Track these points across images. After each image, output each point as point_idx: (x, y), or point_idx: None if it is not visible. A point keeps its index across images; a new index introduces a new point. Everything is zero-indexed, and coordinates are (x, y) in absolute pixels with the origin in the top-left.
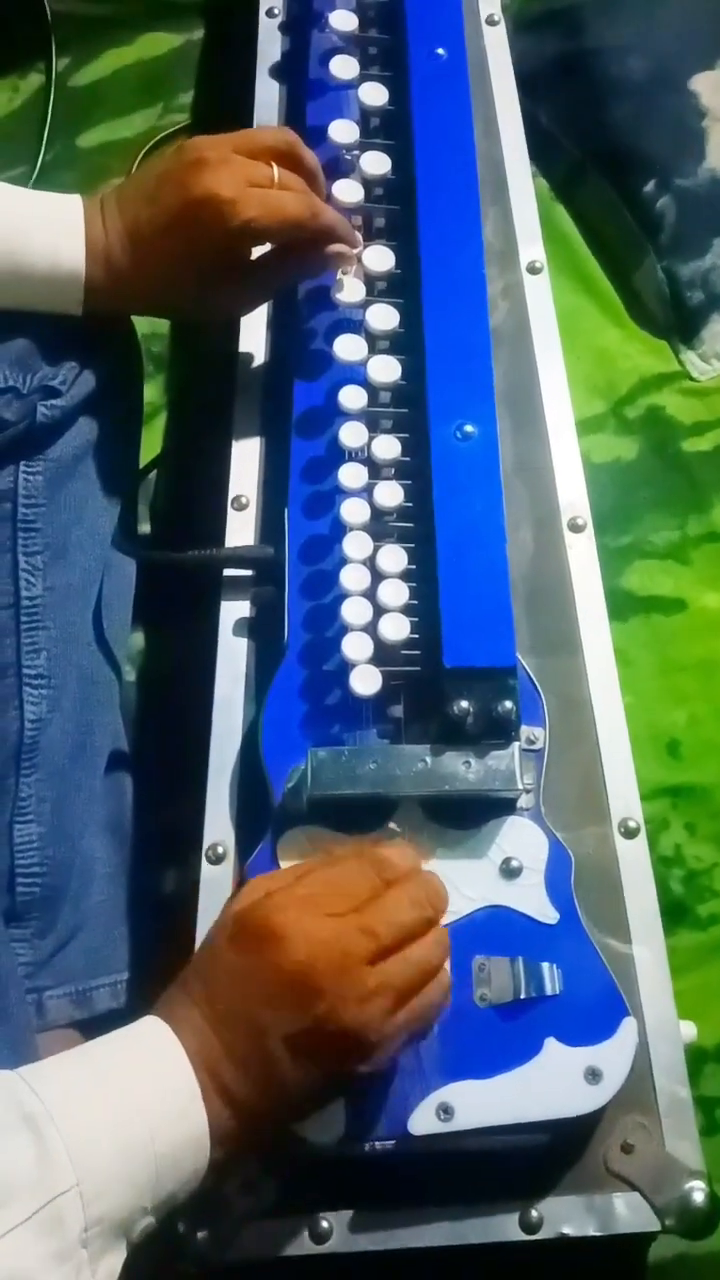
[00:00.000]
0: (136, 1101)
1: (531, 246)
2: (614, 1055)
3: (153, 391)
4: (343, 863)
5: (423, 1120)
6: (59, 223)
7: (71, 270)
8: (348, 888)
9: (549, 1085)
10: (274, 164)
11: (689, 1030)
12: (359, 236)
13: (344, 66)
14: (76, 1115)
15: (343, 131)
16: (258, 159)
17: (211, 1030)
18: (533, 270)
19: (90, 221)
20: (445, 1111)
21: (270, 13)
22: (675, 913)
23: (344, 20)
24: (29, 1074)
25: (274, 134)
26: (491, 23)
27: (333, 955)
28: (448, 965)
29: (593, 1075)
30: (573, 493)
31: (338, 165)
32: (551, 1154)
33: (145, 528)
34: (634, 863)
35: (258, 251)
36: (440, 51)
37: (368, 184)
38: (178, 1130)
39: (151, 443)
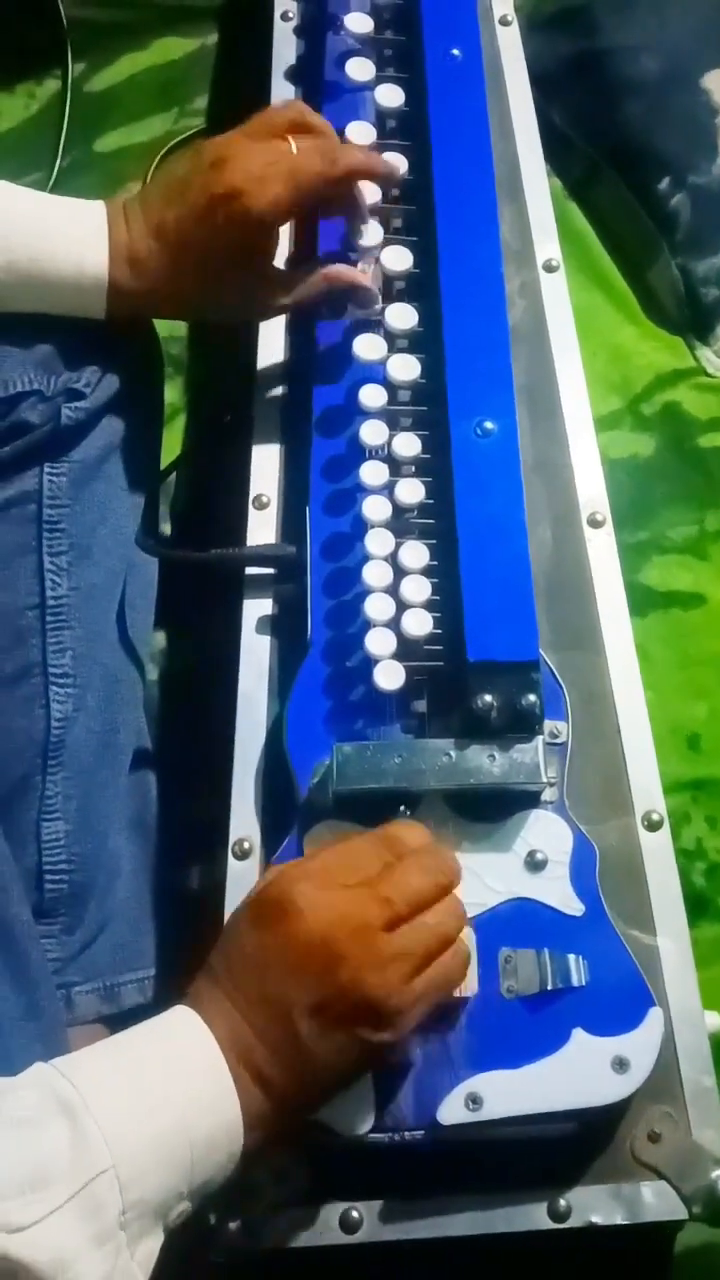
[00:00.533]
0: (169, 1088)
1: (547, 245)
2: (641, 1045)
3: (173, 393)
4: (355, 840)
5: (452, 1110)
6: (82, 228)
7: (95, 275)
8: (359, 861)
9: (576, 1075)
10: (289, 138)
11: (713, 1020)
12: (387, 162)
13: (360, 68)
14: (110, 1102)
15: (360, 133)
16: (272, 139)
17: (238, 1012)
18: (549, 268)
19: (114, 225)
20: (474, 1101)
21: (285, 16)
22: (698, 905)
23: (359, 22)
24: (62, 1064)
25: (281, 112)
26: (505, 23)
27: (350, 924)
28: (464, 935)
29: (620, 1064)
30: (592, 489)
31: None
32: (579, 1143)
33: (167, 528)
34: (657, 854)
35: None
36: (455, 52)
37: (388, 186)
38: (212, 1114)
39: (172, 444)
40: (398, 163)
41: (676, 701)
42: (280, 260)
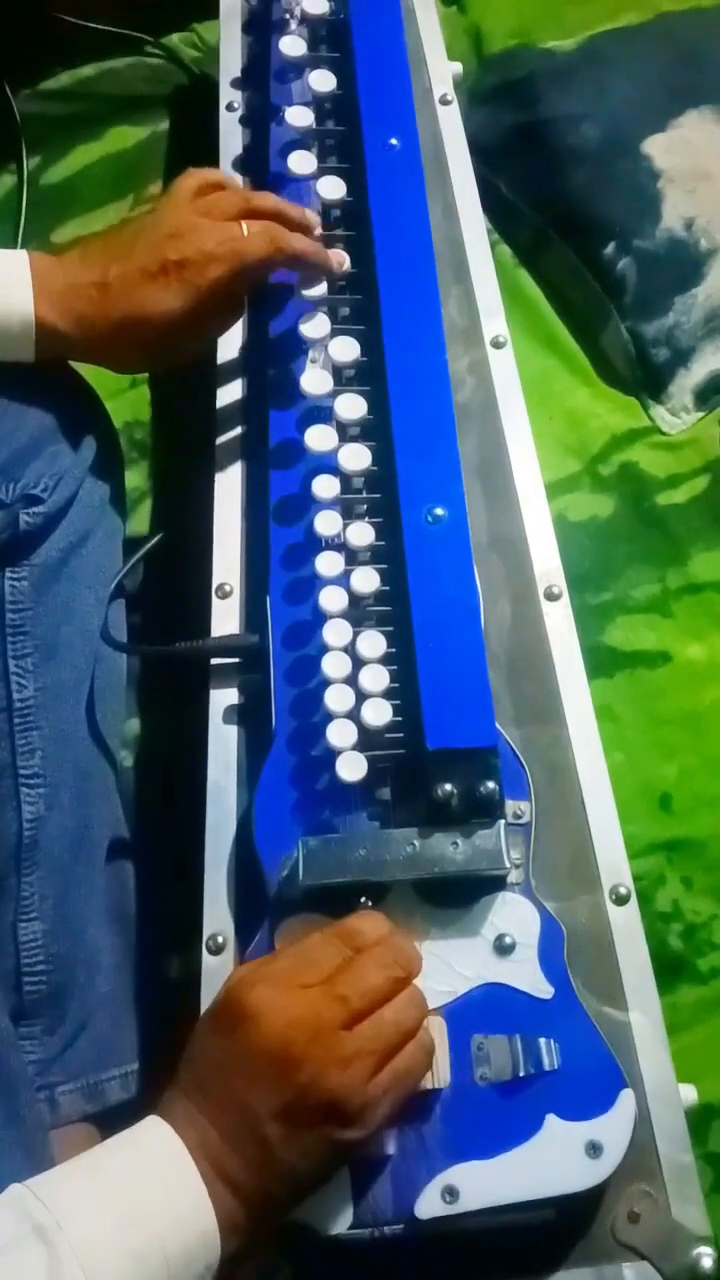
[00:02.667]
0: (144, 1205)
1: (494, 322)
2: (614, 1128)
3: (138, 477)
4: (312, 938)
5: (428, 1204)
6: (5, 270)
7: (22, 315)
8: (317, 960)
9: (551, 1162)
10: (241, 223)
11: (689, 1094)
12: (330, 255)
13: (301, 162)
14: (86, 1224)
15: (298, 116)
16: (225, 220)
17: (206, 1120)
18: (496, 345)
19: (44, 271)
20: (450, 1194)
21: (230, 106)
22: (675, 968)
23: (300, 116)
24: (38, 1186)
25: (233, 197)
26: (445, 102)
27: (306, 1025)
28: (428, 1024)
29: (593, 1149)
30: (547, 562)
31: None
32: (559, 1227)
33: (135, 616)
34: (626, 929)
35: None
36: (394, 142)
37: (331, 275)
38: (186, 1228)
39: (139, 527)
40: (341, 258)
41: (647, 762)
42: None
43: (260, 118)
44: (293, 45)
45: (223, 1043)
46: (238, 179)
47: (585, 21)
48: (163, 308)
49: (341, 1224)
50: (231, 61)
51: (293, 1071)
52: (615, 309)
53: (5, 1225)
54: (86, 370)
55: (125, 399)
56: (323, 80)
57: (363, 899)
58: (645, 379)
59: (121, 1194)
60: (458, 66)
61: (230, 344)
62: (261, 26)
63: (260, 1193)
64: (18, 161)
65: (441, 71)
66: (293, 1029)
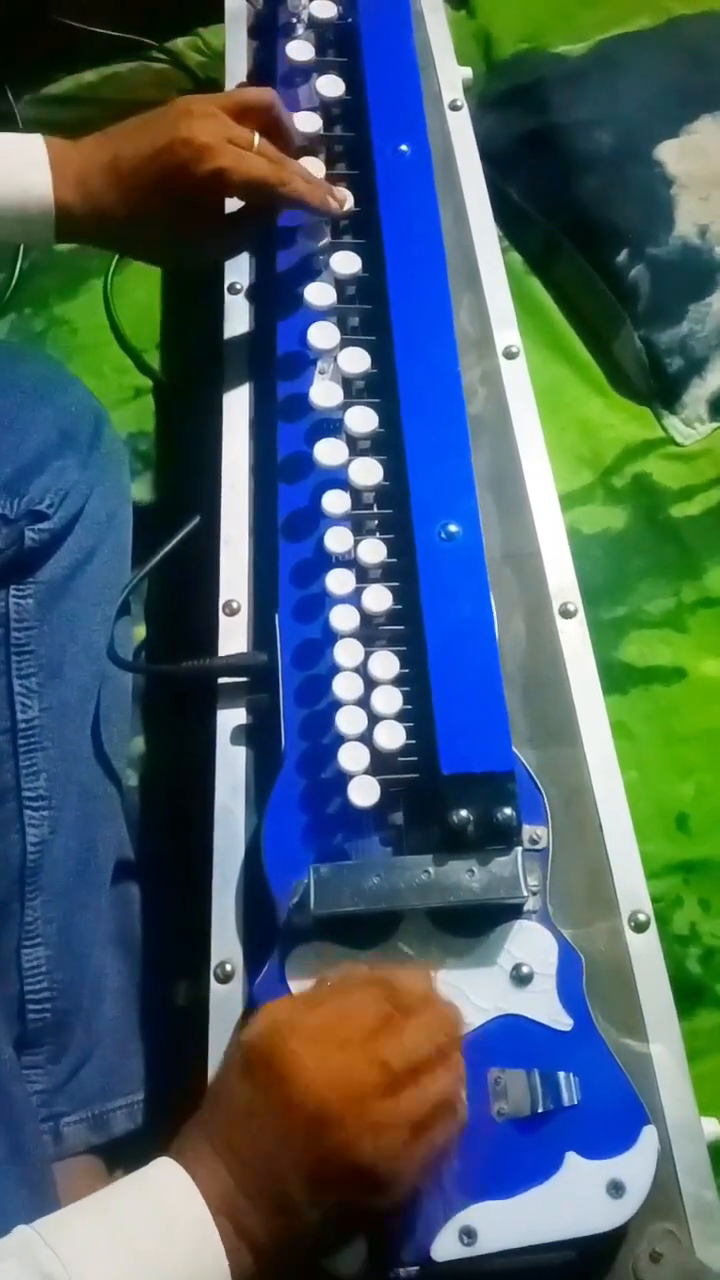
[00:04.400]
0: (155, 1255)
1: (506, 332)
2: (636, 1166)
3: (141, 489)
4: (354, 991)
5: (446, 1246)
6: (24, 156)
7: (41, 199)
8: (359, 1016)
9: (572, 1202)
10: (257, 132)
11: (711, 1128)
12: (331, 201)
13: (310, 168)
14: (96, 1275)
15: (312, 233)
16: (243, 122)
17: (226, 1169)
18: (509, 355)
19: (60, 156)
20: (468, 1235)
21: None
22: (694, 993)
23: (307, 122)
24: (47, 1230)
25: (255, 94)
26: (455, 108)
27: (345, 1089)
28: (462, 1091)
29: (615, 1189)
30: (562, 578)
31: (309, 266)
32: (579, 1268)
33: (141, 631)
34: (646, 957)
35: (231, 205)
36: (404, 148)
37: (340, 284)
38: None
39: (142, 542)
40: (343, 197)
41: (663, 781)
42: None
43: None
44: (300, 50)
45: (254, 1096)
46: None
47: (596, 25)
48: (162, 188)
49: (355, 1266)
50: (237, 66)
51: (325, 1134)
52: (628, 317)
53: (11, 1275)
54: (91, 381)
55: (130, 410)
56: (331, 85)
57: (402, 946)
58: (659, 388)
59: (134, 1243)
60: (467, 71)
61: (237, 353)
62: (268, 31)
63: (274, 1246)
64: None
65: (451, 76)
66: (330, 1091)
